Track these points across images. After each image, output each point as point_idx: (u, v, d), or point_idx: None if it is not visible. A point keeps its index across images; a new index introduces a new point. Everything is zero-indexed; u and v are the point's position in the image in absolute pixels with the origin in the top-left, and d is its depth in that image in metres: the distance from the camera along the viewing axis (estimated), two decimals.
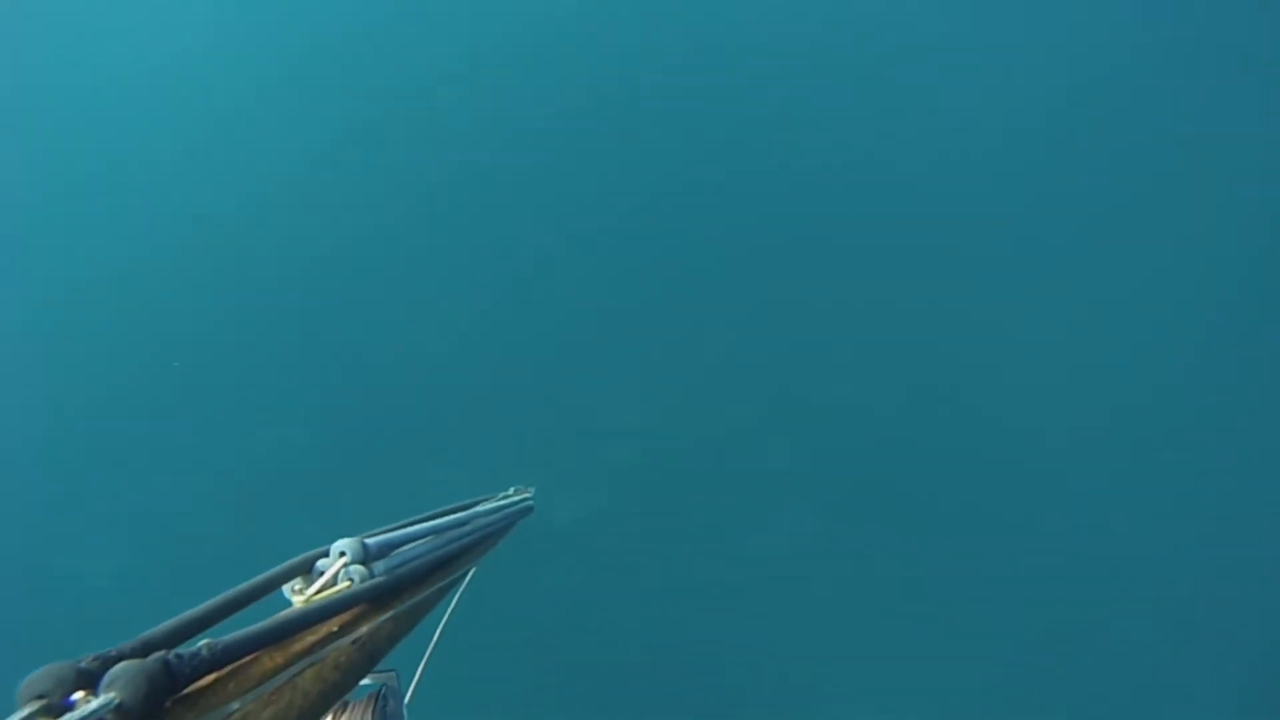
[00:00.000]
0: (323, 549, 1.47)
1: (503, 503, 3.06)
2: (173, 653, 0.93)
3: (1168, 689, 8.87)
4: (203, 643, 1.00)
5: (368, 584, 1.44)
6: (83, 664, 0.90)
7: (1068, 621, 9.18)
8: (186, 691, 0.95)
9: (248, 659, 1.07)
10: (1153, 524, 9.48)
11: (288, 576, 1.37)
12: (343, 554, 1.46)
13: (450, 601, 2.52)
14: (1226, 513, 9.50)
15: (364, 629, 1.36)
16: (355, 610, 1.38)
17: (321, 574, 1.42)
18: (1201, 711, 8.77)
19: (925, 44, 11.39)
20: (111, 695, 0.85)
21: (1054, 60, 11.17)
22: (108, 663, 0.90)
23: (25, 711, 0.82)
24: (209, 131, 11.25)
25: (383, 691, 1.57)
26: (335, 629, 1.28)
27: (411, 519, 1.91)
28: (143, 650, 0.97)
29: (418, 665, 2.46)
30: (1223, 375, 10.00)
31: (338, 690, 1.23)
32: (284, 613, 1.21)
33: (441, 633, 2.63)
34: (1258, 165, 10.45)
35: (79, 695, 0.86)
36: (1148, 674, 8.98)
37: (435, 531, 1.94)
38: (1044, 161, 10.89)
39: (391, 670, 1.58)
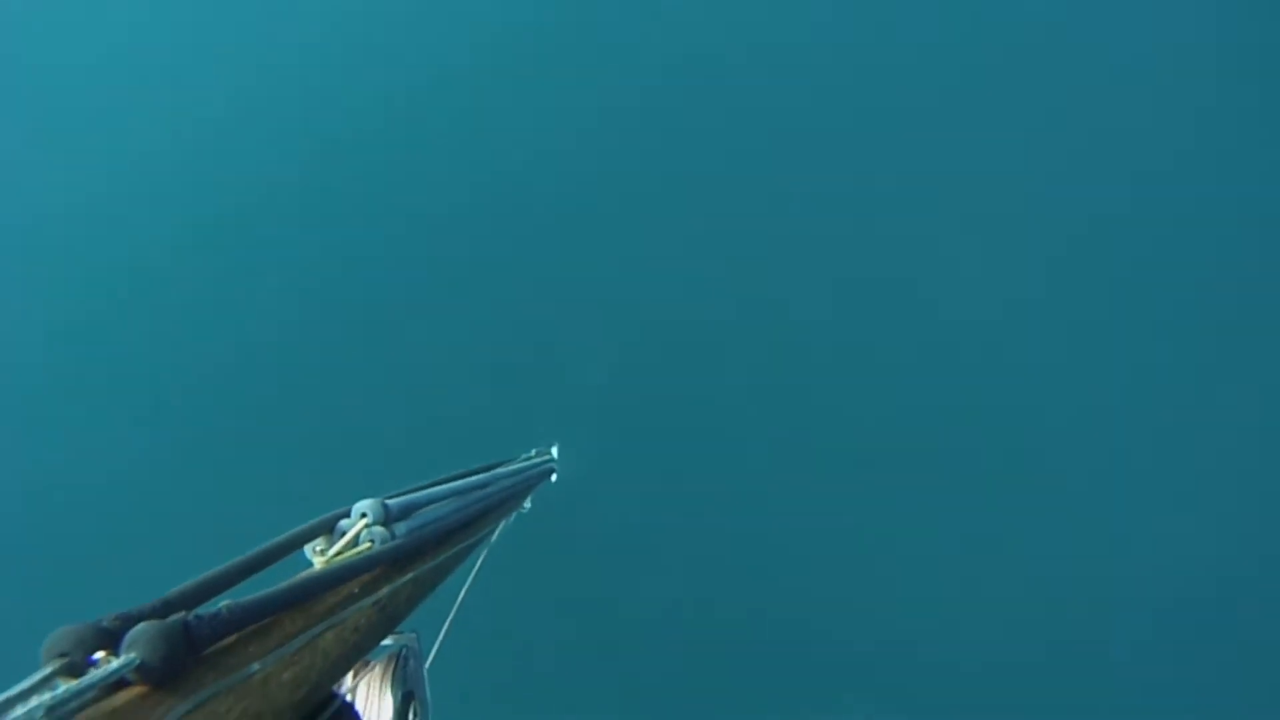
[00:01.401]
0: (344, 510, 1.47)
1: (524, 464, 3.06)
2: (193, 613, 0.93)
3: (1167, 691, 8.79)
4: (224, 604, 1.00)
5: (389, 545, 1.44)
6: (104, 623, 0.90)
7: (1065, 616, 9.13)
8: (207, 652, 0.95)
9: (268, 620, 1.07)
10: (1153, 520, 9.37)
11: (309, 537, 1.38)
12: (364, 515, 1.46)
13: (474, 565, 2.54)
14: (1226, 513, 9.36)
15: (384, 590, 1.35)
16: (376, 572, 1.38)
17: (343, 535, 1.42)
18: (1202, 713, 8.70)
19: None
20: (132, 655, 0.85)
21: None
22: (129, 622, 0.90)
23: (47, 670, 0.83)
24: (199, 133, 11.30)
25: (403, 653, 1.58)
26: (356, 590, 1.28)
27: (433, 480, 1.91)
28: (164, 610, 0.97)
29: (441, 628, 2.49)
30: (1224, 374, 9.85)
31: (358, 651, 1.24)
32: (304, 574, 1.21)
33: (465, 596, 2.65)
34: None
35: (100, 654, 0.87)
36: (1146, 676, 8.91)
37: (457, 493, 1.93)
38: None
39: (412, 632, 1.59)
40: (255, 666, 0.99)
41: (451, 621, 2.55)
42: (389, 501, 1.51)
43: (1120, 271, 10.08)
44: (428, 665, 1.85)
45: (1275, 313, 9.89)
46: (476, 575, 2.66)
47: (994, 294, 10.17)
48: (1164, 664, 8.88)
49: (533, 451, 3.68)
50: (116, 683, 0.84)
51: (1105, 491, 9.55)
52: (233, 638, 1.00)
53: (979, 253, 10.29)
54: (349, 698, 1.49)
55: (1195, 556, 9.11)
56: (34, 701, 0.76)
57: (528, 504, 3.08)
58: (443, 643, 2.40)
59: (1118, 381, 9.88)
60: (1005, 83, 10.73)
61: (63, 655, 0.85)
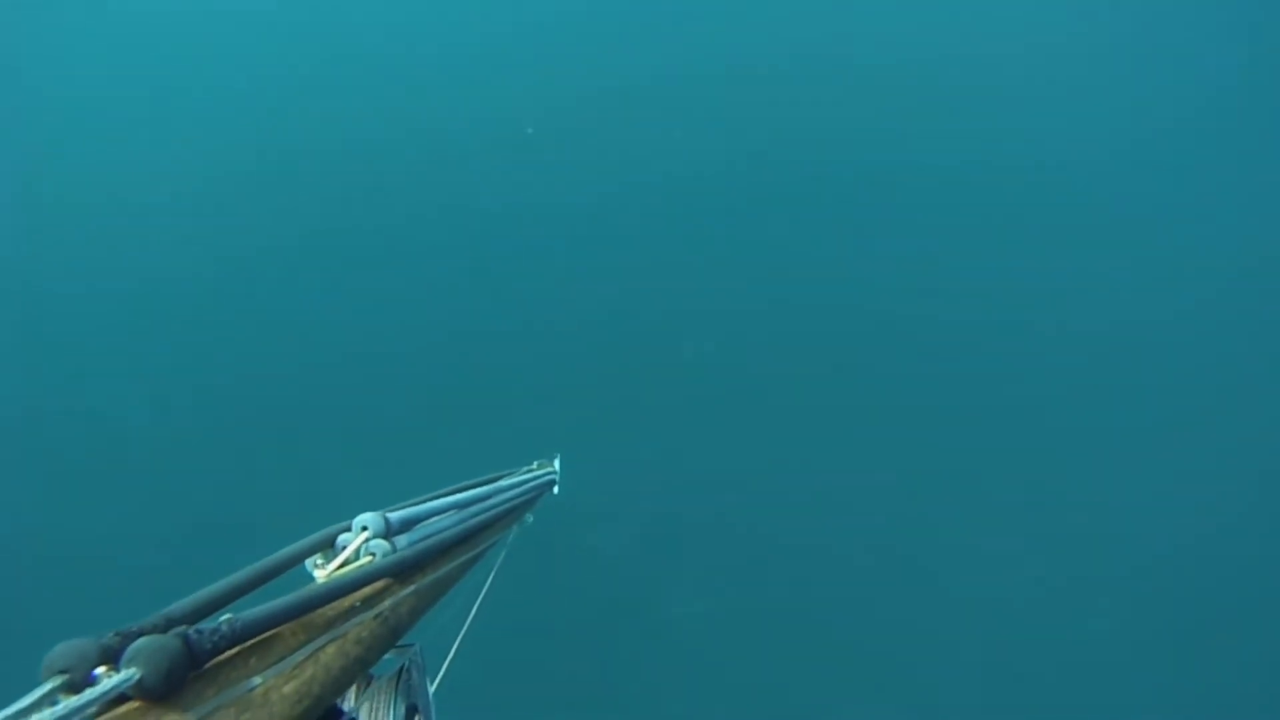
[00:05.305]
0: (345, 524, 1.47)
1: (525, 477, 3.07)
2: (194, 628, 0.94)
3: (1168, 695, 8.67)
4: (224, 618, 1.00)
5: (390, 558, 1.44)
6: (105, 639, 0.90)
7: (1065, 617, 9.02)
8: (208, 667, 0.95)
9: (269, 634, 1.07)
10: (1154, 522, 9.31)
11: (310, 551, 1.38)
12: (365, 528, 1.46)
13: (483, 581, 2.53)
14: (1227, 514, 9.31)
15: (386, 603, 1.36)
16: (377, 585, 1.38)
17: (344, 549, 1.42)
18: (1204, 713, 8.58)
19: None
20: (133, 670, 0.86)
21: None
22: (130, 638, 0.91)
23: (48, 686, 0.83)
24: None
25: (406, 666, 1.57)
26: (357, 603, 1.28)
27: (434, 493, 1.91)
28: (164, 626, 0.97)
29: (451, 644, 2.47)
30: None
31: (360, 664, 1.24)
32: (306, 588, 1.21)
33: (475, 613, 2.64)
34: None
35: (101, 670, 0.87)
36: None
37: (458, 506, 1.93)
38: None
39: (414, 645, 1.59)
40: (257, 680, 0.99)
41: (462, 638, 2.54)
42: (390, 515, 1.52)
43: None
44: (437, 681, 1.84)
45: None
46: (486, 591, 2.65)
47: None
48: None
49: (534, 464, 3.68)
50: (117, 698, 0.85)
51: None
52: (234, 652, 1.00)
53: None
54: (352, 713, 1.49)
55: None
56: (35, 718, 0.76)
57: (531, 516, 3.08)
58: (453, 659, 2.39)
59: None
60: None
61: (63, 671, 0.85)
